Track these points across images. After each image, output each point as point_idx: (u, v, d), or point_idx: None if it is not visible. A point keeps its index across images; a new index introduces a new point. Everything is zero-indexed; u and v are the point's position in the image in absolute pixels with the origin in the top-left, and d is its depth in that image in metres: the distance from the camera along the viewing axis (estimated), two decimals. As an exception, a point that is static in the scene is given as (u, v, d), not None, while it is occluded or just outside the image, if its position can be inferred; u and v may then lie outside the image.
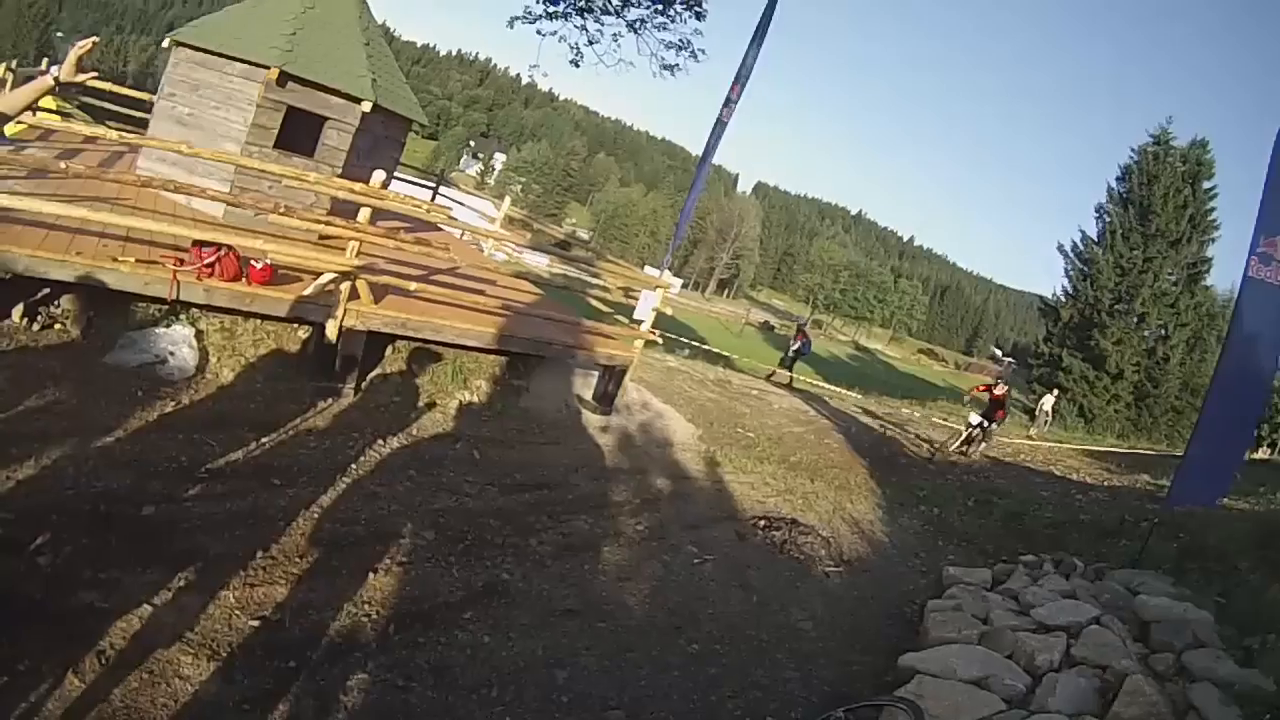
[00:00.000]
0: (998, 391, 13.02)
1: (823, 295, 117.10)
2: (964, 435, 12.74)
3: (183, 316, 7.07)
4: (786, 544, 7.35)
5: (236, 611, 4.22)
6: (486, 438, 7.57)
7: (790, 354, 19.25)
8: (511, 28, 16.36)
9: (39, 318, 6.50)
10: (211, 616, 4.12)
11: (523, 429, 8.14)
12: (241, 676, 3.78)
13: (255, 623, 4.17)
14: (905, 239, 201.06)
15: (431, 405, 7.83)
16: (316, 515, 5.36)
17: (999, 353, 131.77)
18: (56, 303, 6.64)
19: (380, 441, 6.77)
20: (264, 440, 6.14)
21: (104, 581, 4.11)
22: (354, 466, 6.24)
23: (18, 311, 6.41)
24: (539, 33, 16.11)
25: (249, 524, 5.01)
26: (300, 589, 4.55)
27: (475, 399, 8.26)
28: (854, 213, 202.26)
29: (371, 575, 4.88)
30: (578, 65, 16.43)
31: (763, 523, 7.69)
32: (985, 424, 12.69)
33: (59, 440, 5.21)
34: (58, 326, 6.57)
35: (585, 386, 9.34)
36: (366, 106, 9.32)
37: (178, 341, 6.85)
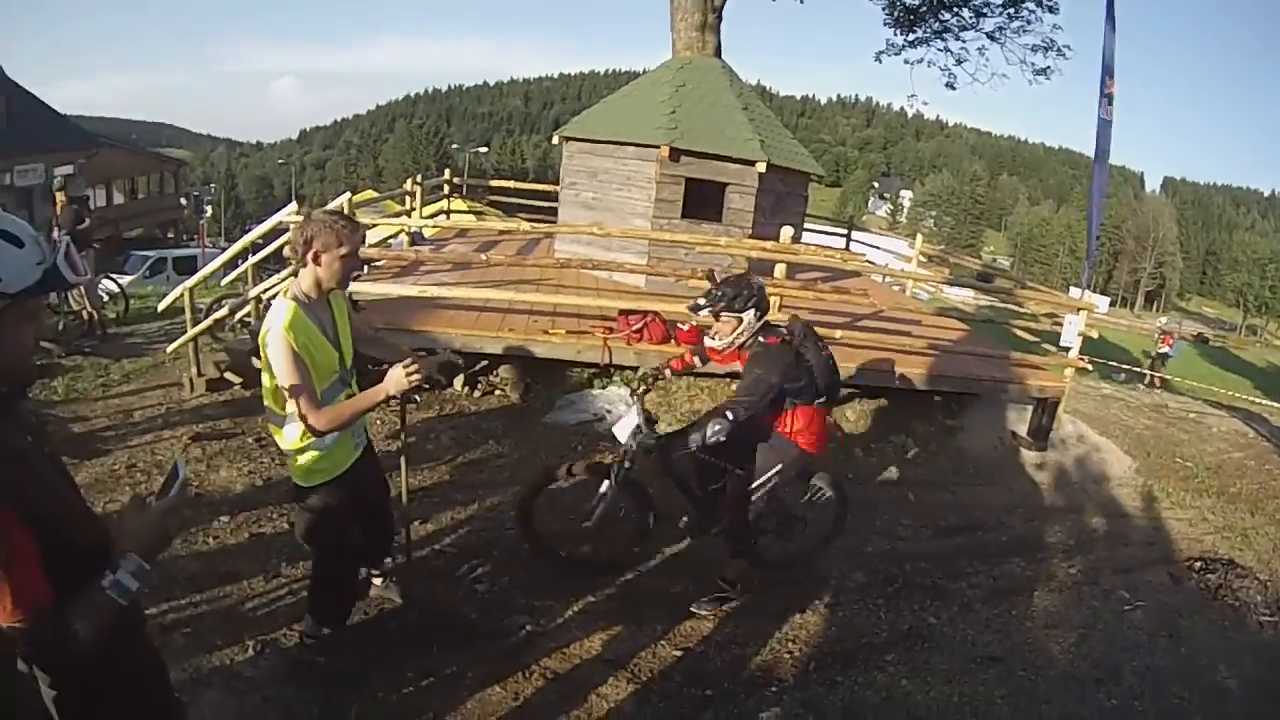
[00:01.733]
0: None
1: (1253, 295, 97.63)
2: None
3: (615, 378, 7.45)
4: (1221, 589, 6.14)
5: (662, 642, 4.25)
6: (921, 479, 7.15)
7: (1157, 356, 20.33)
8: (879, 62, 16.74)
9: (479, 386, 7.24)
10: (637, 644, 4.18)
11: (957, 469, 7.55)
12: (657, 699, 3.80)
13: (678, 653, 4.18)
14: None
15: (864, 449, 7.51)
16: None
17: None
18: (495, 372, 7.34)
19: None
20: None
21: (537, 608, 4.34)
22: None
23: (459, 381, 7.22)
24: (906, 62, 16.21)
25: (684, 563, 5.06)
26: (727, 625, 4.50)
27: (910, 440, 7.78)
28: (1266, 194, 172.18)
29: (798, 615, 4.75)
30: (953, 87, 16.32)
31: (1198, 564, 6.49)
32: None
33: (500, 488, 5.67)
34: (497, 393, 7.26)
35: (1019, 421, 8.39)
36: (762, 167, 9.39)
37: (614, 400, 7.24)
